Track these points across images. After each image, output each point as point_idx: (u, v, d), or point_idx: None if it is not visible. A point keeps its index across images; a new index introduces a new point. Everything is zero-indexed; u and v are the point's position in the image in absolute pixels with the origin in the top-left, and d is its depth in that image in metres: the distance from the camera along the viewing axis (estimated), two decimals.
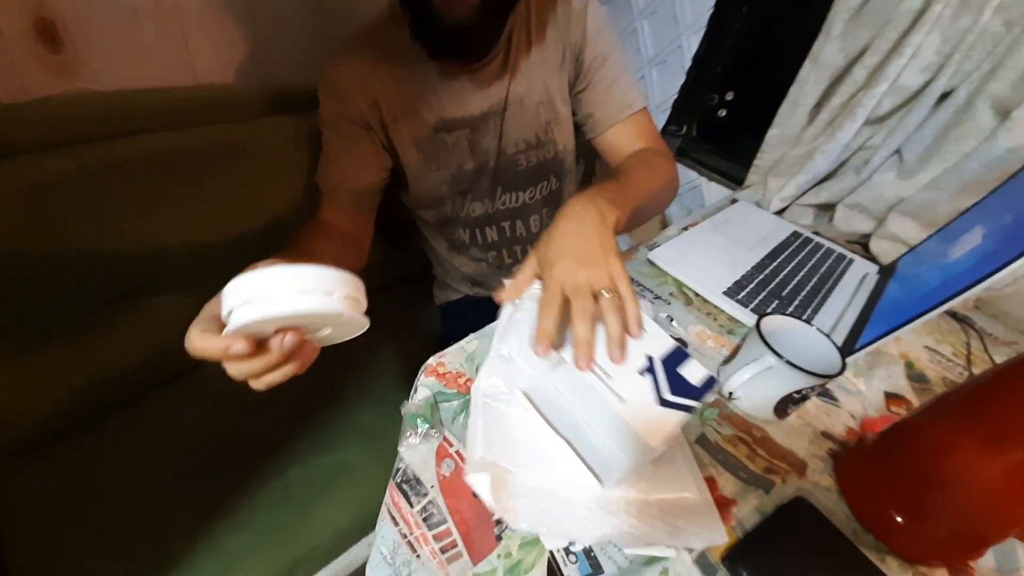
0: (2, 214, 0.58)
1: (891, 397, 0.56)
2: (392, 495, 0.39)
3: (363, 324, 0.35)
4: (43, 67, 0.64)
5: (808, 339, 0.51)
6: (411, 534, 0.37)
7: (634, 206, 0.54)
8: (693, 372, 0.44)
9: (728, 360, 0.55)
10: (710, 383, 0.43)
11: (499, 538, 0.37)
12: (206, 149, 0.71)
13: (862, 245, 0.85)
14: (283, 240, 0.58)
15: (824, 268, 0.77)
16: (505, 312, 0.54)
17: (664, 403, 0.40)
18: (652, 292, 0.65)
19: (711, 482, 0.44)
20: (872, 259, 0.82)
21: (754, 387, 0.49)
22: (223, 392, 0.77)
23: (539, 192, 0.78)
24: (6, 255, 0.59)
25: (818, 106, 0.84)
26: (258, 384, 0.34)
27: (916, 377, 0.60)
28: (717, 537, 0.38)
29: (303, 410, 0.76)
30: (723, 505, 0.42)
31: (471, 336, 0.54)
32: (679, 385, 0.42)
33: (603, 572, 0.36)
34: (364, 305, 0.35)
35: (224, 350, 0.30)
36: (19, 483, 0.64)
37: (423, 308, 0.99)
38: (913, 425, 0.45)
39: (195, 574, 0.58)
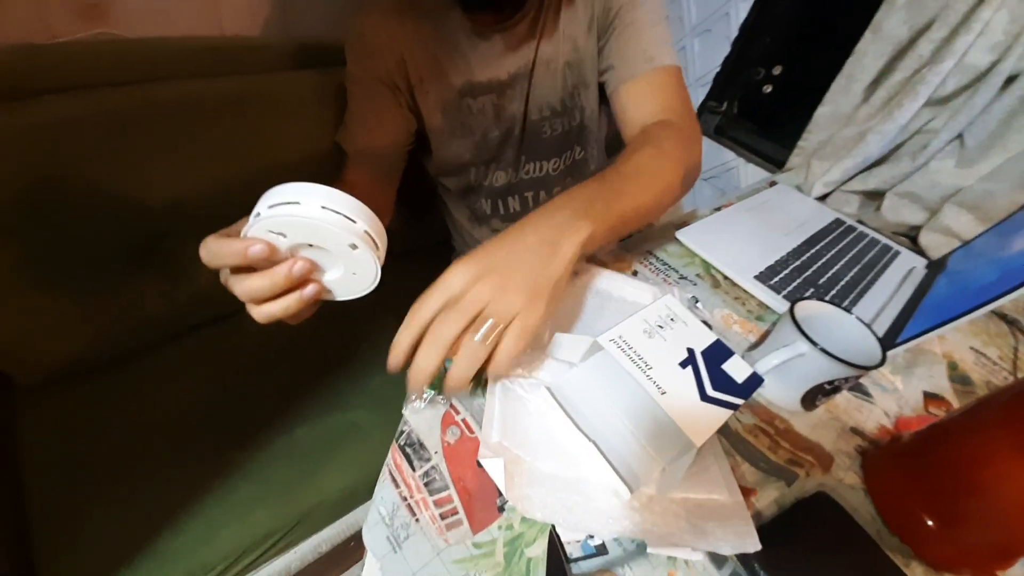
0: (29, 152, 0.59)
1: (931, 398, 0.53)
2: (394, 456, 0.38)
3: (372, 275, 0.34)
4: (71, 10, 0.63)
5: (845, 328, 0.47)
6: (411, 497, 0.36)
7: (623, 215, 0.46)
8: (737, 368, 0.42)
9: (755, 346, 0.52)
10: (755, 381, 0.41)
11: (501, 509, 0.36)
12: (231, 99, 0.70)
13: (910, 238, 0.80)
14: None
15: (867, 259, 0.72)
16: None
17: (707, 399, 0.38)
18: (677, 272, 0.62)
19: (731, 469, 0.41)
20: (921, 253, 0.76)
21: (782, 375, 0.46)
22: (238, 348, 0.79)
23: (563, 162, 0.75)
24: (30, 193, 0.60)
25: (876, 82, 0.77)
26: (258, 313, 0.33)
27: (959, 379, 0.56)
28: (749, 544, 0.35)
29: (315, 371, 0.76)
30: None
31: None
32: (722, 381, 0.40)
33: (607, 553, 0.35)
34: (381, 256, 0.34)
35: (243, 250, 0.30)
36: (37, 420, 0.66)
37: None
38: (954, 426, 0.42)
39: (203, 520, 0.59)
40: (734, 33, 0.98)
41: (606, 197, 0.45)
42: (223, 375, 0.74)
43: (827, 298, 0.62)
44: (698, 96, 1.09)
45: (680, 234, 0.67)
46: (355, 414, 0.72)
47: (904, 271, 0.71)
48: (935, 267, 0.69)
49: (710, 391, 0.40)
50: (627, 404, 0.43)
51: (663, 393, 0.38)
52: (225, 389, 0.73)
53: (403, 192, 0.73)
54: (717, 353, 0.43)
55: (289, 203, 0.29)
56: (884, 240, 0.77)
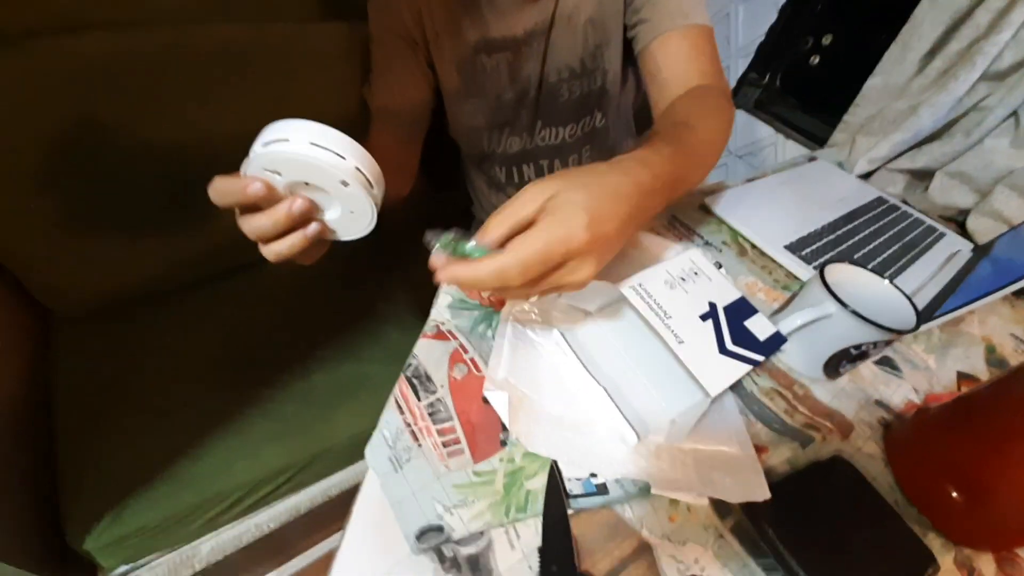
0: (67, 90, 0.60)
1: (964, 378, 0.50)
2: (401, 386, 0.39)
3: (368, 215, 0.34)
4: None
5: (878, 294, 0.45)
6: (415, 424, 0.36)
7: (687, 182, 0.44)
8: (759, 326, 0.41)
9: (778, 311, 0.50)
10: (777, 339, 0.40)
11: (504, 444, 0.36)
12: (265, 46, 0.70)
13: (958, 223, 0.75)
14: None
15: (908, 238, 0.68)
16: None
17: (726, 352, 0.38)
18: (702, 238, 0.60)
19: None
20: (968, 238, 0.72)
21: (806, 338, 0.44)
22: (264, 294, 0.81)
23: (580, 129, 0.72)
24: (69, 134, 0.62)
25: (931, 53, 0.72)
26: (268, 252, 0.34)
27: (996, 363, 0.53)
28: (758, 493, 0.34)
29: (335, 322, 0.77)
30: None
31: None
32: (743, 337, 0.39)
33: (608, 493, 0.34)
34: (376, 195, 0.34)
35: (242, 190, 0.30)
36: (71, 350, 0.70)
37: (464, 226, 0.97)
38: (987, 397, 0.39)
39: (223, 450, 0.62)
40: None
41: (681, 159, 0.42)
42: (248, 319, 0.76)
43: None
44: (740, 67, 1.04)
45: (709, 200, 0.65)
46: (370, 366, 0.73)
47: (947, 253, 0.67)
48: (980, 251, 0.65)
49: (730, 345, 0.39)
50: (642, 353, 0.42)
51: (681, 342, 0.37)
52: (249, 332, 0.75)
53: (427, 159, 0.72)
54: (740, 309, 0.42)
55: (280, 140, 0.30)
56: (929, 221, 0.72)
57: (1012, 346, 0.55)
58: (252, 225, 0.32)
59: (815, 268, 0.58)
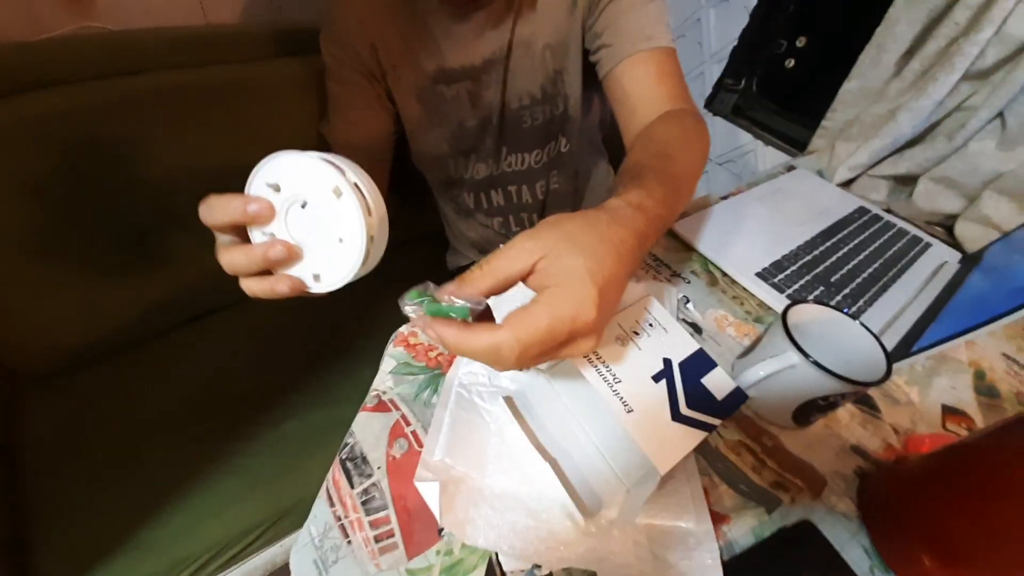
0: (21, 148, 0.59)
1: (949, 412, 0.47)
2: (334, 472, 0.37)
3: (359, 244, 0.30)
4: (57, 5, 0.63)
5: (850, 335, 0.42)
6: (346, 517, 0.34)
7: (672, 220, 0.42)
8: (718, 383, 0.37)
9: (746, 353, 0.47)
10: (737, 397, 0.37)
11: (441, 532, 0.34)
12: (216, 88, 0.69)
13: (946, 228, 0.72)
14: None
15: (892, 252, 0.65)
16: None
17: (679, 418, 0.34)
18: (670, 268, 0.58)
19: (703, 492, 0.38)
20: (955, 246, 0.68)
21: (772, 387, 0.42)
22: (232, 340, 0.79)
23: (546, 155, 0.71)
24: (26, 188, 0.61)
25: (908, 54, 0.69)
26: (244, 286, 0.33)
27: (985, 390, 0.50)
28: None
29: (307, 364, 0.76)
30: (713, 521, 0.36)
31: None
32: (700, 397, 0.36)
33: None
34: (373, 223, 0.31)
35: (242, 206, 0.30)
36: (36, 409, 0.69)
37: (438, 271, 0.95)
38: (971, 450, 0.36)
39: (189, 510, 0.60)
40: (753, 1, 0.90)
41: (667, 196, 0.39)
42: (215, 368, 0.75)
43: (837, 298, 0.57)
44: (715, 73, 1.01)
45: (677, 226, 0.62)
46: (344, 409, 0.71)
47: (934, 266, 0.64)
48: (969, 261, 0.62)
49: (684, 409, 0.36)
50: (593, 417, 0.40)
51: (629, 411, 0.34)
52: (217, 382, 0.73)
53: (397, 181, 0.71)
54: (697, 365, 0.39)
55: (286, 152, 0.30)
56: (914, 231, 0.69)
57: (1003, 368, 0.52)
58: (230, 259, 0.32)
59: (788, 297, 0.55)
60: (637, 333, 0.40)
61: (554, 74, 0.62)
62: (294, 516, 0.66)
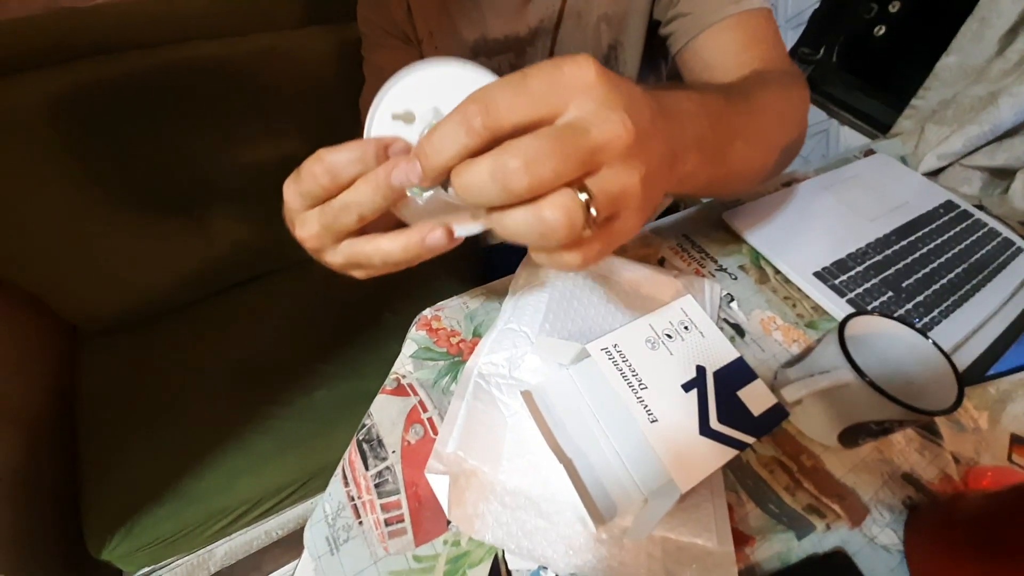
0: (66, 114, 0.61)
1: (1019, 443, 0.42)
2: (351, 453, 0.37)
3: None
4: None
5: (917, 354, 0.37)
6: (359, 498, 0.34)
7: (740, 140, 0.34)
8: (756, 396, 0.34)
9: (793, 362, 0.43)
10: (776, 415, 0.33)
11: (451, 522, 0.33)
12: (248, 59, 0.68)
13: None
14: None
15: (978, 256, 0.58)
16: (520, 273, 0.47)
17: (708, 432, 0.32)
18: (716, 262, 0.53)
19: (728, 509, 0.35)
20: None
21: (819, 403, 0.38)
22: (272, 308, 0.82)
23: None
24: (74, 155, 0.63)
25: (1013, 31, 0.59)
26: (377, 252, 0.26)
27: None
28: None
29: (340, 337, 0.78)
30: (736, 542, 0.34)
31: (477, 290, 0.48)
32: (733, 412, 0.33)
33: None
34: None
35: (382, 147, 0.23)
36: (94, 363, 0.74)
37: (472, 250, 0.94)
38: None
39: (226, 466, 0.64)
40: None
41: (731, 118, 0.33)
42: (256, 332, 0.78)
43: (907, 307, 0.51)
44: (789, 41, 0.91)
45: (728, 214, 0.57)
46: (371, 383, 0.73)
47: (1023, 275, 0.56)
48: None
49: (714, 423, 0.33)
50: (613, 422, 0.38)
51: (653, 421, 0.32)
52: (257, 346, 0.77)
53: None
54: (734, 375, 0.36)
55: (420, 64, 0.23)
56: (1006, 232, 0.61)
57: None
58: (384, 252, 0.25)
59: (849, 302, 0.50)
60: (670, 336, 0.37)
61: (608, 49, 0.57)
62: (322, 477, 0.69)
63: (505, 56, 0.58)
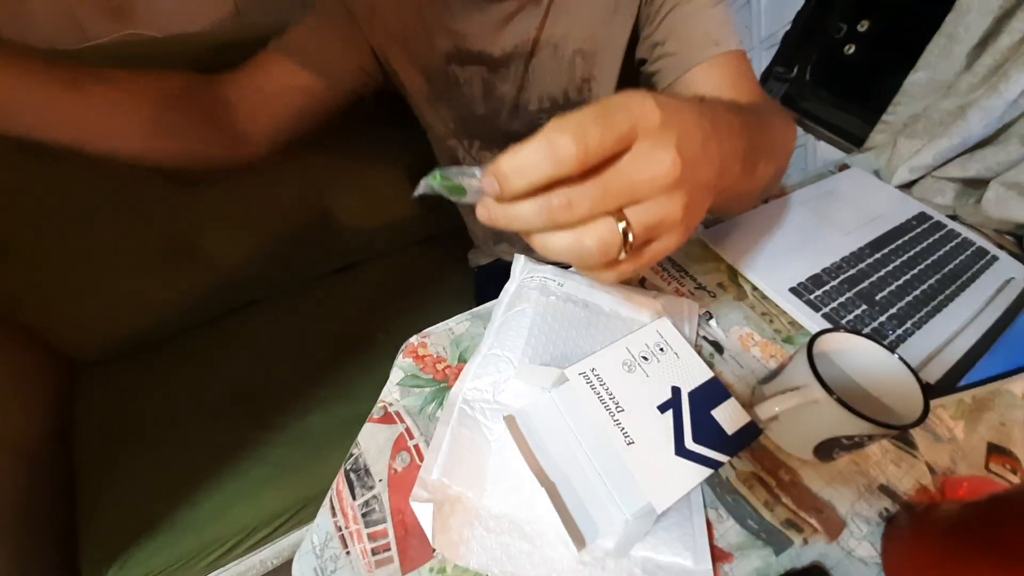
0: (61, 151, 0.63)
1: (996, 452, 0.43)
2: (338, 483, 0.38)
3: None
4: (100, 12, 0.66)
5: (886, 369, 0.39)
6: (346, 528, 0.35)
7: (763, 156, 0.36)
8: (730, 415, 0.36)
9: (770, 378, 0.44)
10: (750, 432, 0.35)
11: (436, 550, 0.34)
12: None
13: (1016, 238, 0.64)
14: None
15: (951, 266, 0.59)
16: (503, 299, 0.48)
17: (683, 453, 0.33)
18: (695, 280, 0.55)
19: (707, 527, 0.36)
20: None
21: (792, 419, 0.39)
22: (261, 335, 0.83)
23: None
24: (65, 190, 0.64)
25: (981, 45, 0.61)
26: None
27: None
28: None
29: (331, 360, 0.78)
30: (715, 559, 0.35)
31: (462, 316, 0.49)
32: (708, 431, 0.35)
33: None
34: None
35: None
36: (89, 393, 0.75)
37: (462, 269, 0.96)
38: (1013, 504, 0.33)
39: (220, 494, 0.65)
40: None
41: (753, 129, 0.34)
42: (250, 358, 0.79)
43: (881, 319, 0.52)
44: (764, 60, 0.94)
45: (706, 233, 0.59)
46: (365, 405, 0.73)
47: (999, 282, 0.57)
48: None
49: (689, 443, 0.35)
50: (594, 445, 0.39)
51: (630, 443, 0.33)
52: (251, 371, 0.77)
53: (417, 177, 0.70)
54: (709, 394, 0.38)
55: None
56: (980, 241, 0.62)
57: None
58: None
59: (824, 316, 0.51)
60: (646, 358, 0.39)
61: (581, 82, 0.59)
62: (318, 503, 0.69)
63: (477, 68, 0.59)
